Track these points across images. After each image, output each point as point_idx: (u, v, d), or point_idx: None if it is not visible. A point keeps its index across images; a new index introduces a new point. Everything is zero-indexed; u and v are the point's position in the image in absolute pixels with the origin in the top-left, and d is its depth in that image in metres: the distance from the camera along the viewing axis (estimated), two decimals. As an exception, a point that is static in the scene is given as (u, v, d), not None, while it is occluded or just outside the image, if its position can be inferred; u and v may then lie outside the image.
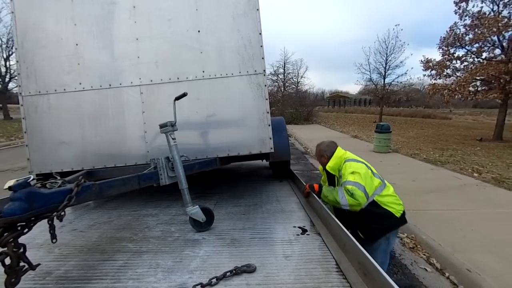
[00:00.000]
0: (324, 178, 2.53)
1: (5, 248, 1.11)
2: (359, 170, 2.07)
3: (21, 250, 1.17)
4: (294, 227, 1.94)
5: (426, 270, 2.95)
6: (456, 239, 3.37)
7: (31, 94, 2.52)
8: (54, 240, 1.30)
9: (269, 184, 3.24)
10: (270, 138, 2.50)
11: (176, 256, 1.59)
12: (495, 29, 10.92)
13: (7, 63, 23.41)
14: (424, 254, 3.24)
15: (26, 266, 1.16)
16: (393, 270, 2.96)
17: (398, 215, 2.13)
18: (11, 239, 1.13)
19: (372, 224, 2.11)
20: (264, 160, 3.41)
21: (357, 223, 2.17)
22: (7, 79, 23.97)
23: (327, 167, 2.28)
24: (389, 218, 2.10)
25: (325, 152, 2.31)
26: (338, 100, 49.53)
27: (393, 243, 2.28)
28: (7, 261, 1.11)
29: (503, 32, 11.25)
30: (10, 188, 1.20)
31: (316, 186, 2.33)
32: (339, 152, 2.27)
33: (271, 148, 2.51)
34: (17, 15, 2.50)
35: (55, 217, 1.27)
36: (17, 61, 2.54)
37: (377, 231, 2.12)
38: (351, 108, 41.86)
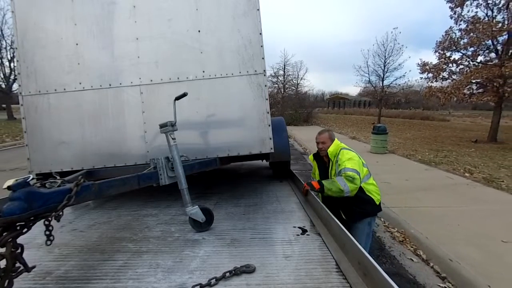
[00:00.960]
0: (314, 168, 2.76)
1: (3, 248, 1.11)
2: (354, 158, 2.34)
3: (19, 250, 1.16)
4: (294, 227, 1.94)
5: (413, 260, 3.15)
6: (443, 233, 3.57)
7: (31, 93, 2.52)
8: (48, 242, 1.29)
9: (269, 184, 3.24)
10: (270, 138, 2.50)
11: (176, 256, 1.58)
12: (488, 33, 11.02)
13: (11, 64, 23.43)
14: (411, 247, 3.43)
15: (22, 268, 1.15)
16: (382, 260, 3.15)
17: (377, 202, 2.42)
18: (10, 239, 1.13)
19: (356, 207, 2.38)
20: (264, 160, 3.41)
21: (342, 206, 2.45)
22: (11, 80, 23.99)
23: (328, 151, 2.46)
24: (370, 204, 2.38)
25: (332, 137, 2.54)
26: (337, 101, 49.55)
27: (373, 227, 2.61)
28: (3, 263, 1.10)
29: (497, 37, 11.35)
30: (9, 187, 1.19)
31: (314, 183, 2.39)
32: (337, 141, 2.54)
33: (271, 148, 2.51)
34: (17, 15, 2.50)
35: (53, 218, 1.27)
36: (17, 61, 2.53)
37: (359, 214, 2.41)
38: (351, 109, 41.87)
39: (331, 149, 2.45)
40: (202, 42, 2.47)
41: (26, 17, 2.50)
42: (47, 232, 1.28)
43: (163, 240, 1.82)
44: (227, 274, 1.34)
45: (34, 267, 1.20)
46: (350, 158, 2.32)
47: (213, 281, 1.29)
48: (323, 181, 2.36)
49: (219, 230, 1.95)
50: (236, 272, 1.36)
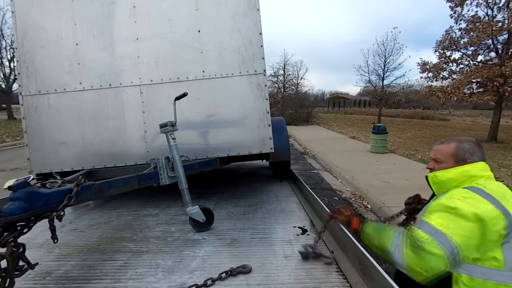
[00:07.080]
0: None
1: (5, 248, 1.11)
2: (467, 216, 1.03)
3: (21, 250, 1.17)
4: (294, 227, 1.94)
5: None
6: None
7: (31, 94, 2.52)
8: (55, 240, 1.29)
9: (269, 184, 3.24)
10: (270, 138, 2.51)
11: (176, 256, 1.59)
12: (488, 33, 11.02)
13: (11, 64, 23.43)
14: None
15: (26, 266, 1.16)
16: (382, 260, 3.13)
17: None
18: (11, 239, 1.13)
19: None
20: (264, 160, 3.41)
21: None
22: (11, 80, 24.01)
23: (434, 175, 1.26)
24: None
25: (461, 155, 1.23)
26: (338, 101, 49.54)
27: None
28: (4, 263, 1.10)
29: (497, 36, 11.36)
30: (9, 188, 1.19)
31: (355, 220, 1.36)
32: (479, 168, 1.19)
33: (271, 148, 2.52)
34: (17, 15, 2.50)
35: (55, 217, 1.27)
36: (17, 61, 2.53)
37: None
38: (351, 109, 41.87)
39: (443, 176, 1.23)
40: (202, 42, 2.47)
41: (26, 17, 2.49)
42: (52, 232, 1.29)
43: (163, 240, 1.83)
44: (223, 275, 1.34)
45: (37, 264, 1.21)
46: (456, 211, 1.06)
47: (209, 281, 1.30)
48: (368, 224, 1.33)
49: (219, 230, 1.95)
50: (232, 273, 1.36)
